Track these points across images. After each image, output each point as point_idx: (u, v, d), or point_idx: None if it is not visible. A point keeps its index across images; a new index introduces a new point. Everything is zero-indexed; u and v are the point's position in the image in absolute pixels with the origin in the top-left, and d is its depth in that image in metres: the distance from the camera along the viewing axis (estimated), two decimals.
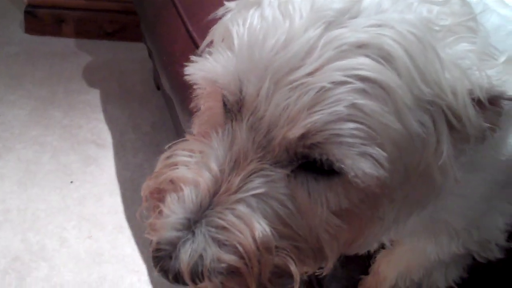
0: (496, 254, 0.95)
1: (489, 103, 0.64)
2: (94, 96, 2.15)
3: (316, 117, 0.58)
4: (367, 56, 0.59)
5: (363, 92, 0.58)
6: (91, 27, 2.44)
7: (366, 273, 1.15)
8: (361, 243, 0.72)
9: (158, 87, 2.12)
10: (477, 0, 0.77)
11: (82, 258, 1.58)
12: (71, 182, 1.79)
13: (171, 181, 0.67)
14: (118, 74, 2.28)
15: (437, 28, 0.64)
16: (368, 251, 0.78)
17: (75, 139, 1.95)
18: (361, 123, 0.59)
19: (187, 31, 1.30)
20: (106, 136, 1.97)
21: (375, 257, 1.12)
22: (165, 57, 1.38)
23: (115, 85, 2.22)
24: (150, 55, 1.99)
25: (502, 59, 0.66)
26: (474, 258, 0.98)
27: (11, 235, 1.61)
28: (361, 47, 0.59)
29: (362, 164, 0.59)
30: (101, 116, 2.06)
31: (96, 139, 1.95)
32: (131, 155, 1.90)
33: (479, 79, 0.63)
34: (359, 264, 1.11)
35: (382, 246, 0.99)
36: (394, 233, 0.78)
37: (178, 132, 1.47)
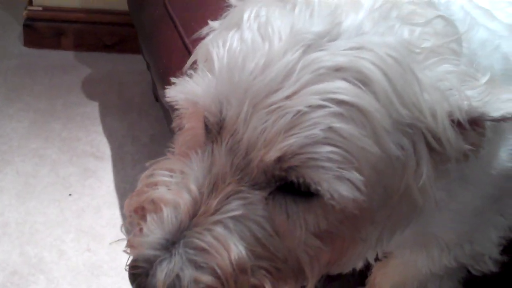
0: (490, 267, 0.95)
1: (470, 125, 0.64)
2: (93, 108, 2.15)
3: (292, 140, 0.59)
4: (344, 79, 0.59)
5: (340, 115, 0.59)
6: (90, 39, 2.44)
7: (363, 284, 1.16)
8: (344, 263, 0.72)
9: (157, 98, 2.12)
10: (465, 14, 0.77)
11: (80, 270, 1.57)
12: (70, 195, 1.79)
13: (152, 201, 0.67)
14: (117, 86, 2.27)
15: (418, 50, 0.64)
16: (353, 269, 0.78)
17: (74, 151, 1.95)
18: (338, 146, 0.59)
19: (184, 44, 1.31)
20: (105, 149, 1.97)
21: (372, 269, 1.12)
22: (162, 70, 1.39)
23: (114, 97, 2.22)
24: (148, 67, 2.00)
25: (484, 79, 0.65)
26: (469, 271, 0.98)
27: (9, 249, 1.61)
28: (338, 71, 0.59)
29: (338, 187, 0.60)
30: (100, 128, 2.05)
31: (95, 152, 1.95)
32: (129, 167, 1.89)
33: (459, 100, 0.63)
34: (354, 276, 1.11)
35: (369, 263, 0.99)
36: (378, 251, 0.78)
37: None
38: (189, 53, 1.26)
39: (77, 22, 2.42)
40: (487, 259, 0.94)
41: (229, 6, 0.74)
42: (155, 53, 1.49)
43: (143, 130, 2.05)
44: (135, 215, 0.70)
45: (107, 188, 1.82)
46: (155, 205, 0.66)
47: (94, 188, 1.82)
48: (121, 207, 1.75)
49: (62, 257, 1.60)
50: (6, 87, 2.21)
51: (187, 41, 1.31)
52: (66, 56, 2.42)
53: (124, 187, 1.82)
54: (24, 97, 2.16)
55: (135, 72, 2.32)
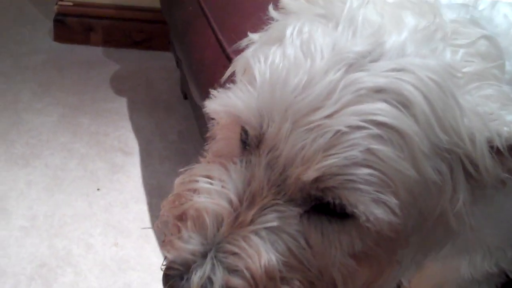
0: None
1: (509, 152, 0.63)
2: (121, 104, 2.17)
3: (331, 161, 0.59)
4: (385, 101, 0.59)
5: (379, 137, 0.58)
6: (119, 36, 2.46)
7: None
8: (380, 285, 0.71)
9: (185, 96, 2.13)
10: (508, 25, 0.75)
11: (107, 264, 1.59)
12: (98, 189, 1.81)
13: (196, 209, 0.67)
14: (145, 82, 2.29)
15: (459, 74, 0.63)
16: None
17: (102, 146, 1.97)
18: (376, 169, 0.59)
19: (217, 40, 1.31)
20: (132, 144, 1.98)
21: None
22: (195, 66, 1.39)
23: (142, 93, 2.24)
24: (177, 64, 2.01)
25: None
26: (507, 276, 0.97)
27: (38, 241, 1.63)
28: (379, 92, 0.59)
29: (374, 210, 0.59)
30: (128, 124, 2.07)
31: (123, 147, 1.97)
32: (157, 163, 1.91)
33: (498, 126, 0.62)
34: None
35: None
36: (412, 273, 0.78)
37: (204, 142, 1.47)
38: (223, 50, 1.26)
39: (107, 18, 2.45)
40: None
41: (270, 18, 0.74)
42: (188, 49, 1.49)
43: (170, 127, 2.06)
44: (173, 218, 0.70)
45: (135, 184, 1.83)
46: (198, 212, 0.66)
47: (122, 183, 1.83)
48: (149, 203, 1.76)
49: (89, 250, 1.62)
50: (35, 82, 2.23)
51: (220, 37, 1.30)
52: (95, 52, 2.45)
53: (152, 183, 1.84)
54: (53, 92, 2.19)
55: (163, 69, 2.33)
